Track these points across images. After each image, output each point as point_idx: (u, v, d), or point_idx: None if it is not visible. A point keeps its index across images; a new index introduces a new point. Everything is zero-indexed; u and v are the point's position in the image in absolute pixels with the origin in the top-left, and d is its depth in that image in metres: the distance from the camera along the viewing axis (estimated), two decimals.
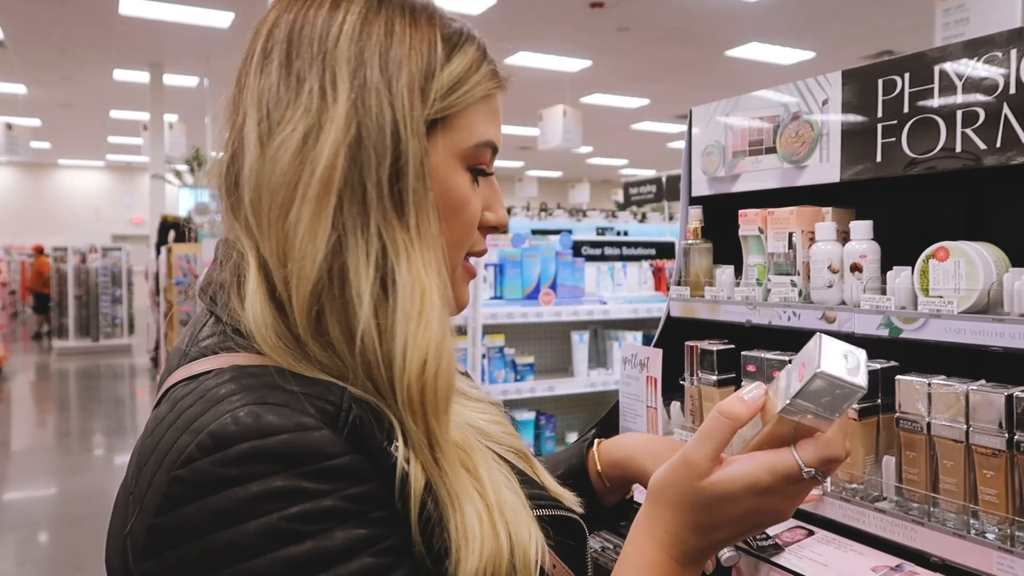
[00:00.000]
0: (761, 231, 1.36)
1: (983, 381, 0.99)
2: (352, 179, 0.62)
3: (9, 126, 10.61)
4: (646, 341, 3.51)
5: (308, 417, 0.56)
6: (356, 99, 0.62)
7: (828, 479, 1.01)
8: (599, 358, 3.69)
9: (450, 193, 0.68)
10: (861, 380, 0.59)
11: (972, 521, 0.96)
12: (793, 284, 1.28)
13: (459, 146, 0.68)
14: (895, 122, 1.15)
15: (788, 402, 0.61)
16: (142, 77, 11.17)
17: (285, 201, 0.62)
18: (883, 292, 1.14)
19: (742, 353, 1.31)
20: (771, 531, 1.05)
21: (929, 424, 1.00)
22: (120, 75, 11.29)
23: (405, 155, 0.62)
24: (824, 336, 0.62)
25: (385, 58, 0.64)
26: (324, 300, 0.61)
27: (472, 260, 0.75)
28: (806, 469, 0.61)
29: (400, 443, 0.60)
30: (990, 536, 0.93)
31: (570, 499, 0.79)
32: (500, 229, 0.75)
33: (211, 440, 0.54)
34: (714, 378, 1.37)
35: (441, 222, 0.66)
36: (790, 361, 0.65)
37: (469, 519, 0.60)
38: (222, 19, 8.56)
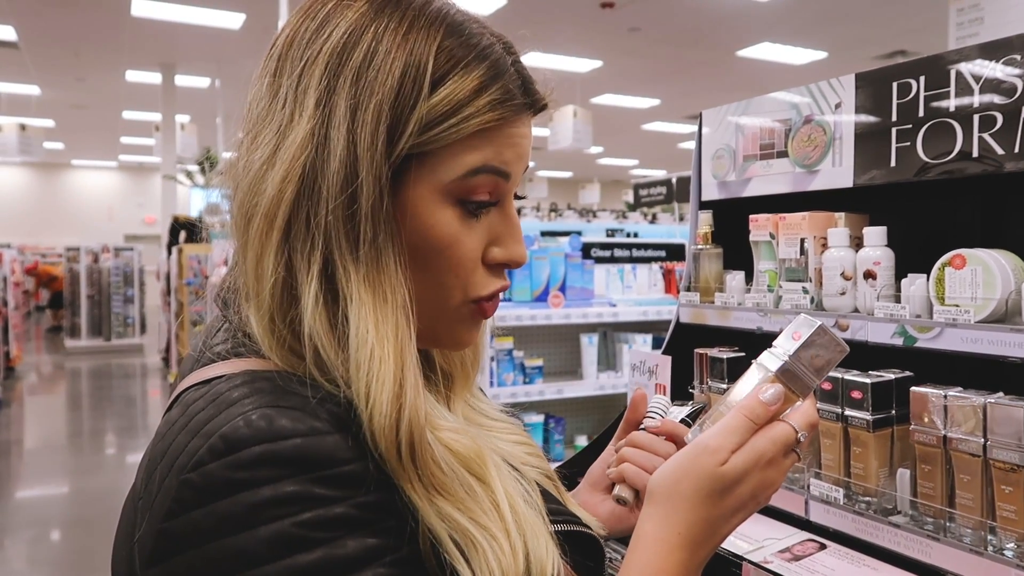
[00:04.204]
0: (772, 237, 1.33)
1: (1001, 393, 0.96)
2: (300, 214, 0.58)
3: (23, 127, 10.68)
4: (656, 344, 3.48)
5: (320, 421, 0.54)
6: (316, 127, 0.58)
7: (845, 497, 0.99)
8: (608, 361, 3.66)
9: (429, 232, 0.60)
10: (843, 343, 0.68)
11: (990, 537, 0.94)
12: (805, 291, 1.26)
13: (442, 180, 0.60)
14: (910, 126, 1.12)
15: (787, 359, 0.66)
16: (154, 78, 11.22)
17: (244, 221, 0.60)
18: (897, 300, 1.11)
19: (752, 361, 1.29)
20: (784, 543, 1.03)
21: (945, 437, 0.98)
22: (132, 76, 11.34)
23: (359, 196, 0.57)
24: (803, 315, 0.69)
25: (358, 82, 0.58)
26: (285, 325, 0.59)
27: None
28: (801, 433, 0.65)
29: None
30: (1008, 553, 0.91)
31: (593, 521, 0.77)
32: (511, 266, 0.66)
33: (223, 443, 0.52)
34: (724, 387, 1.34)
35: (421, 263, 0.61)
36: (772, 345, 0.69)
37: (489, 557, 0.56)
38: (233, 20, 8.58)
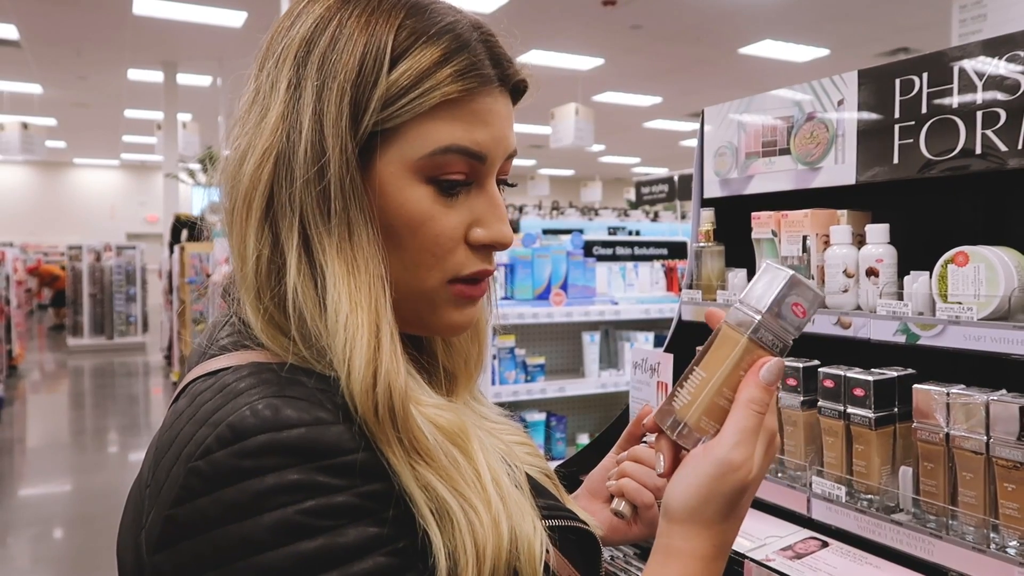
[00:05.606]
0: (774, 234, 1.33)
1: (1004, 391, 0.96)
2: (279, 193, 0.60)
3: (25, 125, 10.70)
4: (658, 342, 3.48)
5: (326, 412, 0.56)
6: (287, 109, 0.61)
7: (847, 495, 0.99)
8: (610, 359, 3.66)
9: (400, 210, 0.62)
10: (819, 289, 0.62)
11: (992, 535, 0.93)
12: None
13: (410, 157, 0.61)
14: (913, 123, 1.12)
15: (760, 316, 0.62)
16: (156, 76, 11.22)
17: (229, 207, 0.63)
18: (900, 297, 1.11)
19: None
20: (786, 541, 1.03)
21: (948, 435, 0.98)
22: (134, 74, 11.34)
23: (328, 171, 0.59)
24: (769, 263, 0.64)
25: (323, 66, 0.60)
26: (271, 300, 0.61)
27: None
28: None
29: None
30: (1011, 551, 0.91)
31: (591, 520, 0.77)
32: (496, 247, 0.66)
33: (230, 432, 0.53)
34: None
35: (399, 241, 0.62)
36: (740, 301, 0.65)
37: (463, 528, 0.57)
38: (235, 18, 8.58)
